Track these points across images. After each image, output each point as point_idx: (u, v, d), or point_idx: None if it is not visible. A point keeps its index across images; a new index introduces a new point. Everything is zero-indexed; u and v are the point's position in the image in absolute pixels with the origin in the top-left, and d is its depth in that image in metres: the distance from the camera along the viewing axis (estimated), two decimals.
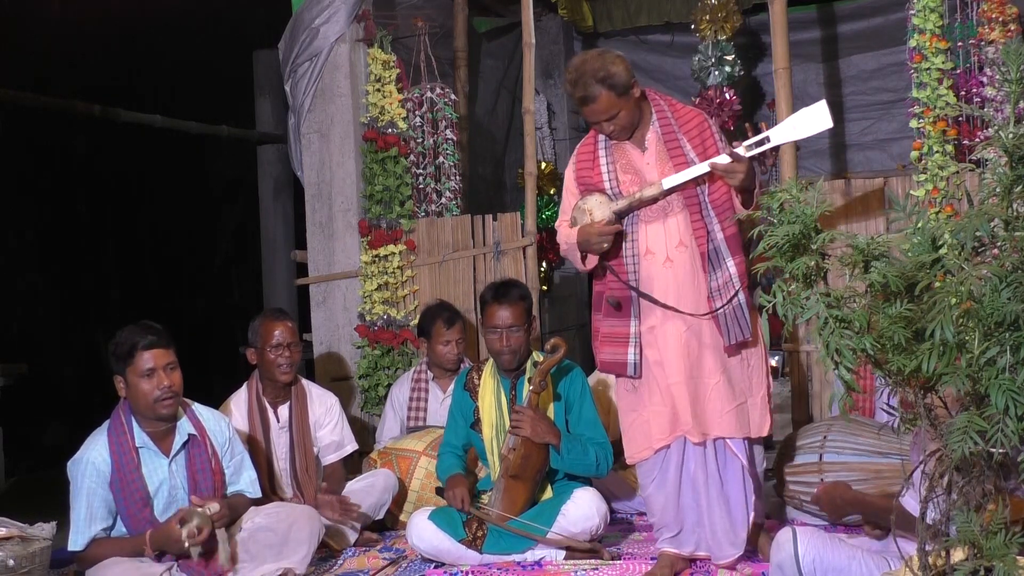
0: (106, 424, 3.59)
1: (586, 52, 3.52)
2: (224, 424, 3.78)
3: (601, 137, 3.56)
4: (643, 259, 3.48)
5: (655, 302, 3.44)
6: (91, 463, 3.50)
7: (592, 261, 3.53)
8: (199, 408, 3.77)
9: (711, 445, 3.50)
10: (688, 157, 3.44)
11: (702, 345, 3.46)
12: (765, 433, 3.57)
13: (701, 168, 3.39)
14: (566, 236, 3.58)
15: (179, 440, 3.61)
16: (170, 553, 3.47)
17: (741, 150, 3.33)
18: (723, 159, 3.35)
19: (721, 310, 3.41)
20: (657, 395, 3.49)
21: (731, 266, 3.43)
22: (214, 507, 3.47)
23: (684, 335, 3.45)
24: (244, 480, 3.79)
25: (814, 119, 3.35)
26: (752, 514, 3.55)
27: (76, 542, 3.49)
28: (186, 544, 3.38)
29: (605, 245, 3.44)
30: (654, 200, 3.45)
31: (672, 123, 3.49)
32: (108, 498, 3.51)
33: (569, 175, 3.63)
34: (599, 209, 3.46)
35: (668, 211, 3.47)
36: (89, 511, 3.49)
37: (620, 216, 3.48)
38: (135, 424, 3.56)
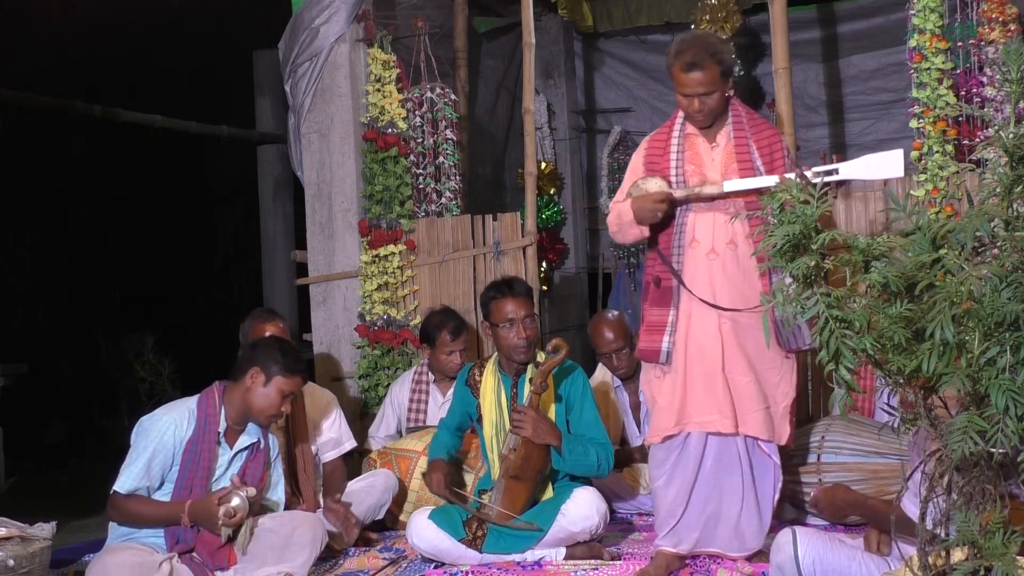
0: (195, 397, 3.72)
1: (698, 30, 3.60)
2: (277, 443, 3.90)
3: (677, 127, 3.63)
4: (688, 248, 3.56)
5: (692, 293, 3.50)
6: (172, 424, 3.59)
7: (645, 231, 3.59)
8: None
9: (742, 442, 3.54)
10: (755, 165, 3.52)
11: (738, 342, 3.51)
12: (784, 442, 3.61)
13: (767, 180, 3.42)
14: (619, 212, 3.64)
15: (246, 440, 3.72)
16: (203, 527, 3.53)
17: (809, 174, 3.33)
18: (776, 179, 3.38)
19: (782, 314, 3.44)
20: (690, 383, 3.53)
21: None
22: (251, 492, 3.55)
23: (719, 329, 3.50)
24: (274, 499, 3.84)
25: (888, 165, 3.41)
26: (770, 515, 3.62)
27: (124, 484, 3.53)
28: (220, 523, 3.44)
29: (659, 215, 3.51)
30: (711, 199, 3.52)
31: (746, 130, 3.58)
32: (168, 463, 3.58)
33: (637, 159, 3.71)
34: (656, 190, 3.54)
35: (722, 207, 3.53)
36: (148, 465, 3.55)
37: (674, 204, 3.55)
38: (223, 410, 3.68)
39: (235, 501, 3.48)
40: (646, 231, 3.60)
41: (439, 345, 4.73)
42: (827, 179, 3.36)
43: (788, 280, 3.35)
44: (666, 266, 3.57)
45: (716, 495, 3.55)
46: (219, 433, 3.67)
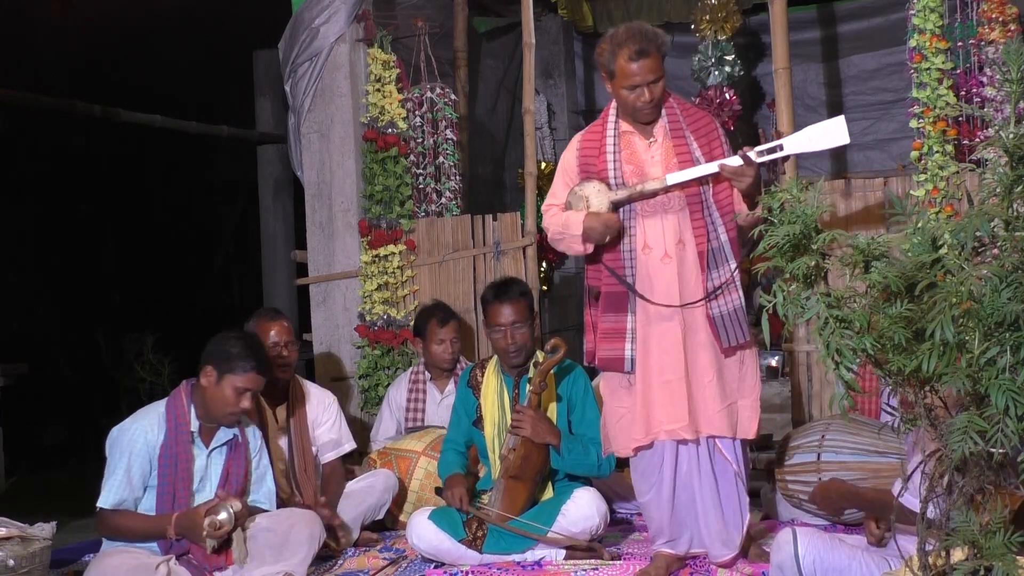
0: (163, 401, 3.68)
1: (635, 21, 3.53)
2: (258, 434, 3.86)
3: (610, 125, 3.52)
4: (640, 254, 3.46)
5: (646, 300, 3.43)
6: (142, 431, 3.57)
7: (589, 248, 3.49)
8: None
9: (704, 445, 3.50)
10: (694, 156, 3.43)
11: (697, 343, 3.45)
12: (752, 436, 3.55)
13: (708, 168, 3.37)
14: (561, 222, 3.51)
15: (222, 437, 3.68)
16: (188, 540, 3.51)
17: (752, 155, 3.30)
18: (735, 161, 3.33)
19: (719, 312, 3.41)
20: (652, 391, 3.47)
21: (732, 267, 3.43)
22: (236, 505, 3.50)
23: (680, 332, 3.44)
24: (263, 492, 3.82)
25: (831, 133, 3.33)
26: (747, 516, 3.58)
27: (107, 499, 3.53)
28: (204, 534, 3.42)
29: (608, 237, 3.42)
30: (654, 194, 3.43)
31: (680, 120, 3.48)
32: (146, 470, 3.56)
33: (570, 160, 3.58)
34: (597, 197, 3.43)
35: (668, 208, 3.45)
36: (128, 475, 3.53)
37: (616, 206, 3.44)
38: (192, 409, 3.65)
39: (222, 515, 3.44)
40: (590, 248, 3.48)
41: (429, 336, 4.78)
42: (771, 156, 3.33)
43: (732, 265, 3.35)
44: (614, 277, 3.46)
45: (697, 498, 3.52)
46: (192, 433, 3.63)
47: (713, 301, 3.42)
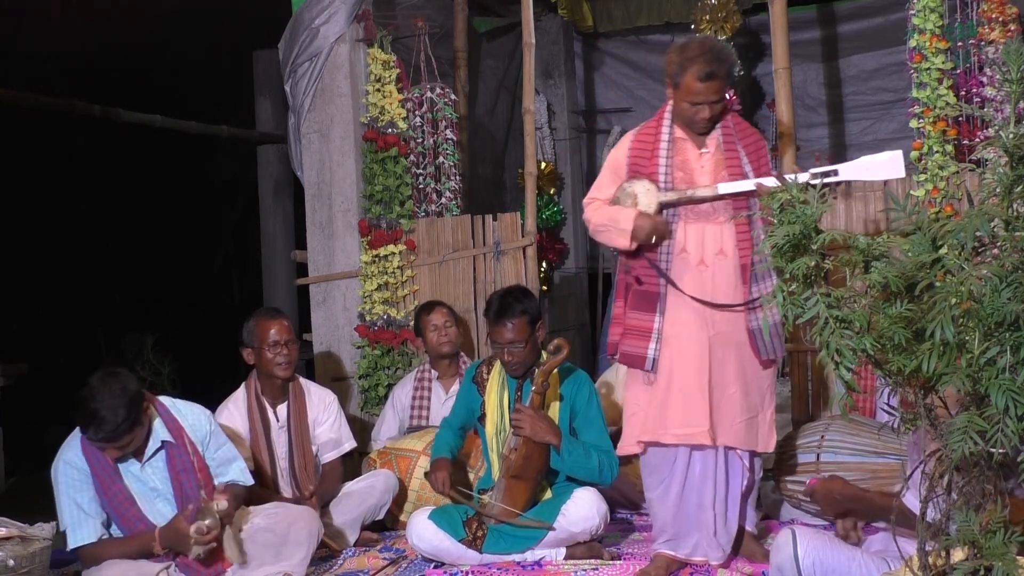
0: (78, 429, 3.54)
1: (702, 35, 3.54)
2: (204, 417, 3.75)
3: (665, 128, 3.56)
4: (676, 257, 3.49)
5: (679, 289, 3.45)
6: (68, 463, 3.51)
7: (633, 246, 3.50)
8: (178, 405, 3.72)
9: (721, 452, 3.53)
10: (744, 170, 3.49)
11: (726, 353, 3.48)
12: (770, 449, 3.62)
13: (763, 182, 3.41)
14: (609, 215, 3.54)
15: (152, 446, 3.57)
16: (180, 551, 3.46)
17: (806, 177, 3.32)
18: (771, 182, 3.37)
19: (757, 325, 3.45)
20: (673, 394, 3.49)
21: (775, 282, 3.45)
22: (222, 504, 3.45)
23: (706, 340, 3.46)
24: (234, 470, 3.76)
25: (888, 166, 3.39)
26: (746, 521, 3.63)
27: (75, 539, 3.48)
28: (192, 542, 3.37)
29: (653, 240, 3.45)
30: (702, 201, 3.47)
31: (734, 135, 3.54)
32: (91, 494, 3.50)
33: (619, 157, 3.62)
34: (645, 196, 3.48)
35: (711, 217, 3.49)
36: (79, 508, 3.48)
37: (663, 208, 3.49)
38: None
39: (207, 520, 3.39)
40: (634, 245, 3.50)
41: (424, 328, 4.84)
42: (826, 180, 3.36)
43: (772, 283, 3.39)
44: (647, 275, 3.49)
45: (705, 503, 3.54)
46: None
47: (753, 313, 3.45)
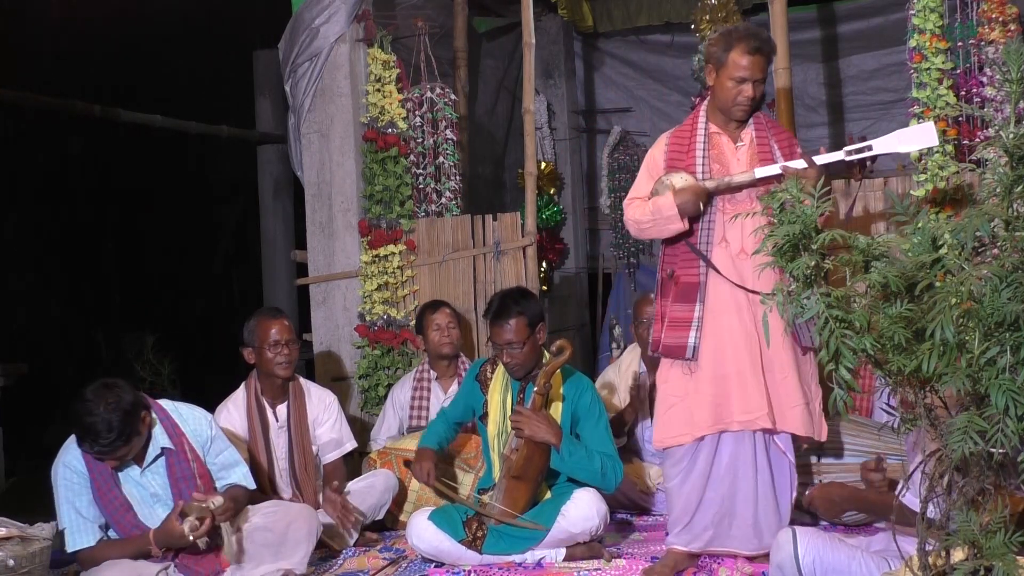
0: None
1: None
2: (205, 422, 3.74)
3: (700, 125, 3.62)
4: (716, 247, 3.54)
5: (721, 274, 3.49)
6: (67, 466, 3.50)
7: (685, 224, 3.53)
8: (180, 409, 3.71)
9: (759, 439, 3.54)
10: (777, 161, 3.53)
11: (776, 340, 3.48)
12: (824, 438, 3.62)
13: (798, 164, 3.46)
14: (650, 208, 3.57)
15: (152, 453, 3.56)
16: (177, 549, 3.46)
17: (842, 154, 3.40)
18: (799, 163, 3.45)
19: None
20: (706, 384, 3.51)
21: None
22: (218, 501, 3.45)
23: (751, 325, 3.49)
24: (236, 474, 3.75)
25: (920, 136, 3.44)
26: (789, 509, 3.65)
27: (73, 542, 3.49)
28: (190, 538, 3.37)
29: (701, 203, 3.49)
30: (740, 188, 3.52)
31: (766, 129, 3.61)
32: (90, 497, 3.50)
33: (656, 156, 3.67)
34: (683, 185, 3.52)
35: (749, 207, 3.52)
36: (77, 512, 3.49)
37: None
38: None
39: (194, 513, 3.38)
40: (685, 224, 3.54)
41: (427, 326, 4.85)
42: (860, 156, 3.43)
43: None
44: (695, 254, 3.54)
45: (730, 494, 3.56)
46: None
47: None
